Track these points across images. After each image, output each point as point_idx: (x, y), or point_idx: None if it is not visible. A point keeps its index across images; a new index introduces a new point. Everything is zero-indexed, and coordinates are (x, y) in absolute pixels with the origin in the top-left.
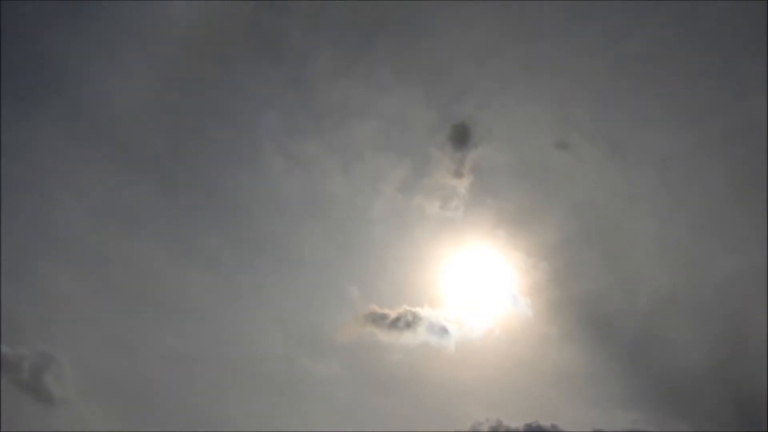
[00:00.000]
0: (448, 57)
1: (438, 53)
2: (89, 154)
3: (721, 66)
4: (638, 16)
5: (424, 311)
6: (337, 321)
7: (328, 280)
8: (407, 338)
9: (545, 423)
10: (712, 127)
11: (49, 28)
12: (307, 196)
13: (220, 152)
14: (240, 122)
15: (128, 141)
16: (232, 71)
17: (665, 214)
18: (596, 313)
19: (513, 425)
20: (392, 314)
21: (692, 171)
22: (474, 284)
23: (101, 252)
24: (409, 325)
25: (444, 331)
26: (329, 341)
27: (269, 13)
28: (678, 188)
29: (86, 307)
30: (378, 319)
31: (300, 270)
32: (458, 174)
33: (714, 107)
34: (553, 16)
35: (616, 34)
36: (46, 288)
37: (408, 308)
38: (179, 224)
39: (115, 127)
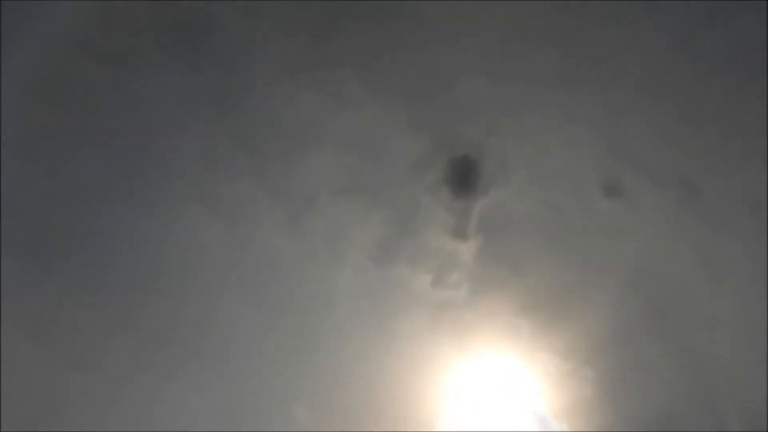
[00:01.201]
0: (445, 60)
1: (430, 55)
2: None
3: None
4: (719, 3)
5: None
6: None
7: (263, 395)
8: None
9: None
10: None
11: None
12: (235, 262)
13: (108, 192)
14: (139, 148)
15: None
16: (131, 76)
17: (762, 290)
18: None
19: None
20: None
21: None
22: (484, 402)
23: None
24: None
25: None
26: None
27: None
28: None
29: None
30: None
31: (219, 376)
32: (460, 233)
33: None
34: (598, 5)
35: (688, 30)
36: None
37: None
38: (42, 298)
39: None
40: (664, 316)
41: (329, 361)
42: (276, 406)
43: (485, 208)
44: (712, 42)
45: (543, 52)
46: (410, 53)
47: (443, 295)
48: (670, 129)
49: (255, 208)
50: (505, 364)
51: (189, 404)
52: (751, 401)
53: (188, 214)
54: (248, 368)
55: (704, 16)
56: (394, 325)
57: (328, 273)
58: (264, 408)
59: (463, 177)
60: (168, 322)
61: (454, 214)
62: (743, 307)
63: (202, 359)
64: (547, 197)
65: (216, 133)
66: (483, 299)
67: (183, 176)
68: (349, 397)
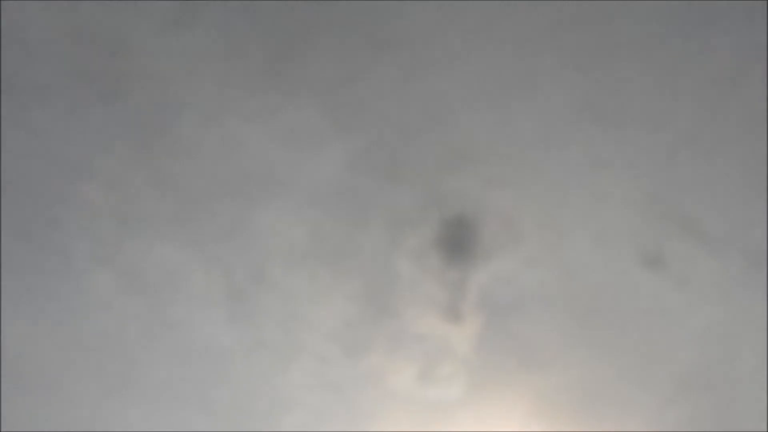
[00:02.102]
0: (435, 87)
1: (416, 80)
2: None
3: None
4: None
5: None
6: None
7: None
8: None
9: None
10: None
11: None
12: (159, 351)
13: None
14: (35, 200)
15: None
16: (26, 108)
17: None
18: None
19: None
20: None
21: None
22: None
23: None
24: None
25: None
26: None
27: None
28: None
29: None
30: None
31: None
32: (453, 314)
33: None
34: (639, 16)
35: (759, 56)
36: None
37: None
38: None
39: None
40: (723, 426)
41: None
42: None
43: (486, 281)
44: None
45: (563, 77)
46: (389, 77)
47: (432, 394)
48: (730, 182)
49: (185, 280)
50: None
51: None
52: None
53: (96, 287)
54: None
55: None
56: None
57: (282, 365)
58: None
59: (458, 239)
60: (74, 422)
61: (446, 287)
62: None
63: None
64: (568, 267)
65: (134, 181)
66: (484, 400)
67: (90, 237)
68: None
